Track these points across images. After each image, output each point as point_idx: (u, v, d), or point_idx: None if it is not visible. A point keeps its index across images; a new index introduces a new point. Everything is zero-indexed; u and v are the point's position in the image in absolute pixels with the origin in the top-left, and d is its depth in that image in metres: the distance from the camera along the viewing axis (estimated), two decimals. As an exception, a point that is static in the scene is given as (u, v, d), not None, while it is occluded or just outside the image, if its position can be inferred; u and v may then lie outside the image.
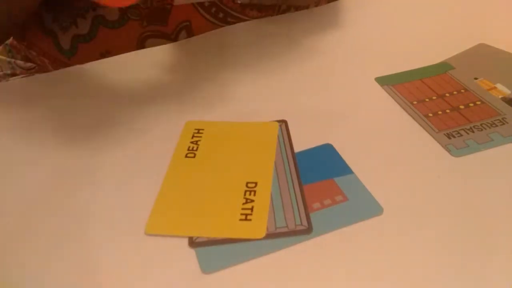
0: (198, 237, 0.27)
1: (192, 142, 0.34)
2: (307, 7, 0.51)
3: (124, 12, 0.46)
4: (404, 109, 0.36)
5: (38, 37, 0.48)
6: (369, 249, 0.26)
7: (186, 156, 0.33)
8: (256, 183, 0.30)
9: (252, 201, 0.29)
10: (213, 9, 0.47)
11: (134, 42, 0.47)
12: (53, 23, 0.47)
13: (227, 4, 0.47)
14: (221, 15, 0.47)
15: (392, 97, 0.37)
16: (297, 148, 0.33)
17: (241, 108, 0.37)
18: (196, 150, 0.33)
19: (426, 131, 0.33)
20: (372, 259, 0.25)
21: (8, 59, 0.51)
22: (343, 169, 0.31)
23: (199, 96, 0.39)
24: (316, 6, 0.51)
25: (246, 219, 0.28)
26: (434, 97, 0.37)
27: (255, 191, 0.29)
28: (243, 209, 0.28)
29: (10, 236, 0.28)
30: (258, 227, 0.27)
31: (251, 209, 0.28)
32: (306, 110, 0.36)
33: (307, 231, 0.27)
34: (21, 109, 0.39)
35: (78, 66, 0.44)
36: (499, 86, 0.37)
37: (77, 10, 0.46)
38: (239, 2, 0.45)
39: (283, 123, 0.35)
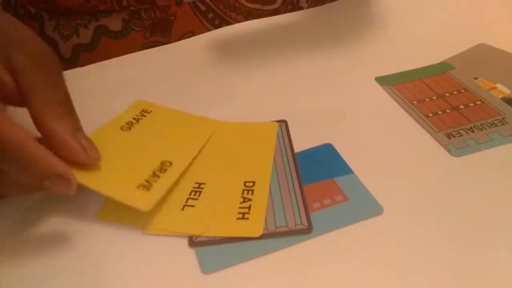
0: (197, 237, 0.27)
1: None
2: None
3: (127, 23, 0.46)
4: (404, 109, 0.36)
5: None
6: (369, 249, 0.26)
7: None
8: (254, 182, 0.30)
9: (250, 200, 0.29)
10: (217, 21, 0.47)
11: None
12: (54, 31, 0.47)
13: (230, 16, 0.47)
14: (224, 26, 0.47)
15: (392, 97, 0.37)
16: (297, 148, 0.33)
17: (241, 108, 0.37)
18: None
19: (426, 131, 0.33)
20: (372, 259, 0.25)
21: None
22: (343, 169, 0.31)
23: (198, 96, 0.39)
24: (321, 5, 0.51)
25: (243, 218, 0.28)
26: (434, 97, 0.37)
27: (253, 190, 0.29)
28: (240, 207, 0.28)
29: (10, 236, 0.28)
30: (255, 225, 0.27)
31: (249, 207, 0.28)
32: (306, 110, 0.36)
33: (307, 230, 0.27)
34: (21, 109, 0.39)
35: (78, 68, 0.44)
36: (499, 86, 0.37)
37: (79, 20, 0.46)
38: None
39: (283, 123, 0.35)
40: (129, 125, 0.34)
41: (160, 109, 0.36)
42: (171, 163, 0.30)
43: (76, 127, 0.28)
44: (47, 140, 0.26)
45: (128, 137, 0.33)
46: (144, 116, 0.35)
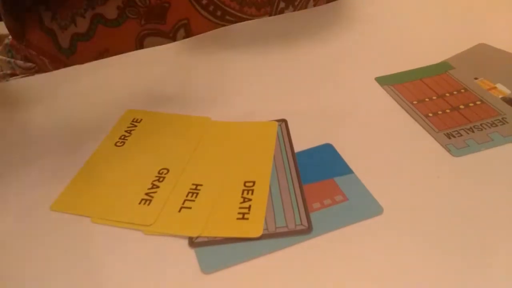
0: (197, 237, 0.27)
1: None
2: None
3: (122, 10, 0.46)
4: (404, 109, 0.36)
5: (37, 35, 0.48)
6: (369, 249, 0.26)
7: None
8: (254, 182, 0.30)
9: (250, 200, 0.29)
10: (211, 7, 0.47)
11: (133, 40, 0.47)
12: (52, 21, 0.47)
13: (224, 2, 0.47)
14: (219, 13, 0.47)
15: (392, 97, 0.37)
16: (297, 148, 0.33)
17: (241, 108, 0.37)
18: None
19: (426, 131, 0.33)
20: (372, 259, 0.25)
21: (8, 59, 0.51)
22: (343, 169, 0.31)
23: (199, 96, 0.39)
24: (315, 5, 0.51)
25: (243, 218, 0.28)
26: (434, 97, 0.37)
27: (253, 190, 0.29)
28: (240, 208, 0.28)
29: (10, 235, 0.28)
30: (255, 226, 0.27)
31: (249, 208, 0.28)
32: (306, 110, 0.36)
33: (307, 231, 0.27)
34: (21, 109, 0.39)
35: (77, 66, 0.44)
36: (499, 86, 0.37)
37: (76, 9, 0.46)
38: None
39: (283, 122, 0.35)
40: (123, 140, 0.34)
41: (151, 115, 0.37)
42: (168, 170, 0.31)
43: None
44: None
45: (123, 153, 0.33)
46: (135, 126, 0.35)
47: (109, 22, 0.46)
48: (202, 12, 0.47)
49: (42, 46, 0.48)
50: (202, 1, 0.46)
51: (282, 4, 0.50)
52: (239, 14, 0.48)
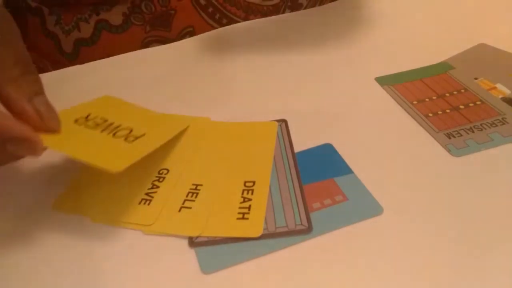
0: (197, 237, 0.27)
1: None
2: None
3: (127, 17, 0.46)
4: (404, 109, 0.36)
5: (40, 39, 0.48)
6: (369, 249, 0.26)
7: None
8: (254, 182, 0.30)
9: (250, 199, 0.29)
10: (217, 15, 0.47)
11: (137, 47, 0.47)
12: (56, 26, 0.47)
13: (230, 10, 0.47)
14: (224, 21, 0.47)
15: (392, 97, 0.37)
16: (297, 148, 0.33)
17: (241, 107, 0.37)
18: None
19: (426, 131, 0.33)
20: (372, 259, 0.25)
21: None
22: (343, 169, 0.31)
23: (199, 96, 0.39)
24: (320, 5, 0.51)
25: (243, 218, 0.28)
26: (434, 97, 0.37)
27: (252, 190, 0.29)
28: (240, 207, 0.28)
29: (11, 235, 0.28)
30: (255, 225, 0.27)
31: (249, 207, 0.28)
32: (306, 110, 0.36)
33: (307, 230, 0.27)
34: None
35: (77, 66, 0.44)
36: (499, 86, 0.37)
37: (80, 14, 0.46)
38: None
39: (283, 122, 0.35)
40: None
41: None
42: (168, 170, 0.31)
43: (34, 91, 0.25)
44: (4, 106, 0.23)
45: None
46: None
47: (113, 28, 0.46)
48: (208, 20, 0.47)
49: (44, 49, 0.48)
50: (208, 9, 0.46)
51: (287, 12, 0.50)
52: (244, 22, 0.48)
